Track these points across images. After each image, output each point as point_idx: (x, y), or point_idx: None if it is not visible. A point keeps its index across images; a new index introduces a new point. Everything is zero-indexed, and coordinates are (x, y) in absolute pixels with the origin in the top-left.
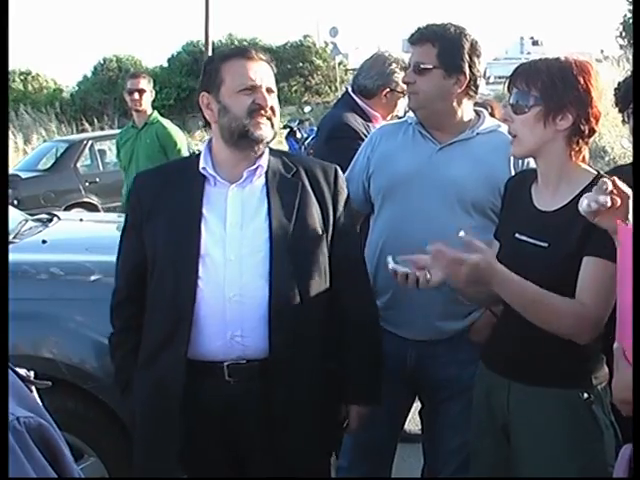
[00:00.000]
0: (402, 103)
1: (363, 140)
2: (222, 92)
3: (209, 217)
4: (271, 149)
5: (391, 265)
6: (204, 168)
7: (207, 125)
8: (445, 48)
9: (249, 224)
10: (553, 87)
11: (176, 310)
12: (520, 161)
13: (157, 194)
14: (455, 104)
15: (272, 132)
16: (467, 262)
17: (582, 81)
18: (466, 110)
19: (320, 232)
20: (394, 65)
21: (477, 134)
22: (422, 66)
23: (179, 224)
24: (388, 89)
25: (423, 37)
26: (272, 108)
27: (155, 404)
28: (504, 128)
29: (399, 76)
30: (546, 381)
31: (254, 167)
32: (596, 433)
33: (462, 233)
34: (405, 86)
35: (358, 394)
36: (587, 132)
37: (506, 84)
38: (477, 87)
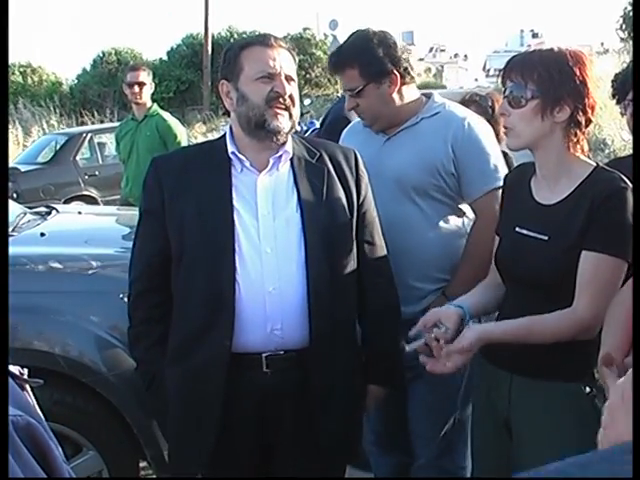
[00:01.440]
0: None
1: None
2: (241, 80)
3: (240, 207)
4: (292, 135)
5: (408, 348)
6: (233, 152)
7: (226, 114)
8: (363, 64)
9: (280, 214)
10: (550, 79)
11: (214, 303)
12: (459, 140)
13: (179, 177)
14: (398, 99)
15: (290, 123)
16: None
17: (578, 72)
18: (408, 96)
19: (348, 218)
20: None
21: (421, 119)
22: (356, 90)
23: (210, 214)
24: None
25: (340, 64)
26: (291, 97)
27: (193, 398)
28: (452, 107)
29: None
30: (548, 375)
31: (279, 154)
32: (598, 427)
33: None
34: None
35: (377, 375)
36: (584, 122)
37: (500, 76)
38: (412, 69)
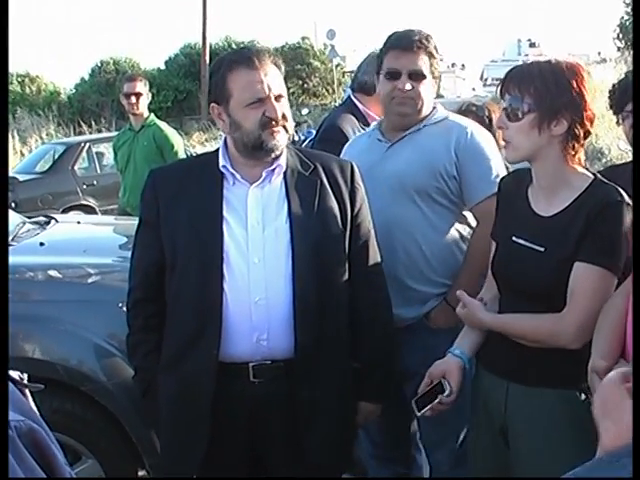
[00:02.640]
0: None
1: None
2: (231, 106)
3: (229, 218)
4: (287, 146)
5: (419, 414)
6: (224, 166)
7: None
8: (434, 59)
9: (270, 225)
10: (547, 93)
11: (202, 312)
12: (462, 145)
13: (175, 190)
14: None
15: (286, 137)
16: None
17: (575, 84)
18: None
19: (340, 230)
20: None
21: (424, 126)
22: (422, 74)
23: (200, 224)
24: None
25: (423, 46)
26: (284, 115)
27: (183, 405)
28: (455, 117)
29: None
30: (544, 382)
31: (273, 167)
32: (594, 434)
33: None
34: None
35: (368, 392)
36: (582, 135)
37: (498, 88)
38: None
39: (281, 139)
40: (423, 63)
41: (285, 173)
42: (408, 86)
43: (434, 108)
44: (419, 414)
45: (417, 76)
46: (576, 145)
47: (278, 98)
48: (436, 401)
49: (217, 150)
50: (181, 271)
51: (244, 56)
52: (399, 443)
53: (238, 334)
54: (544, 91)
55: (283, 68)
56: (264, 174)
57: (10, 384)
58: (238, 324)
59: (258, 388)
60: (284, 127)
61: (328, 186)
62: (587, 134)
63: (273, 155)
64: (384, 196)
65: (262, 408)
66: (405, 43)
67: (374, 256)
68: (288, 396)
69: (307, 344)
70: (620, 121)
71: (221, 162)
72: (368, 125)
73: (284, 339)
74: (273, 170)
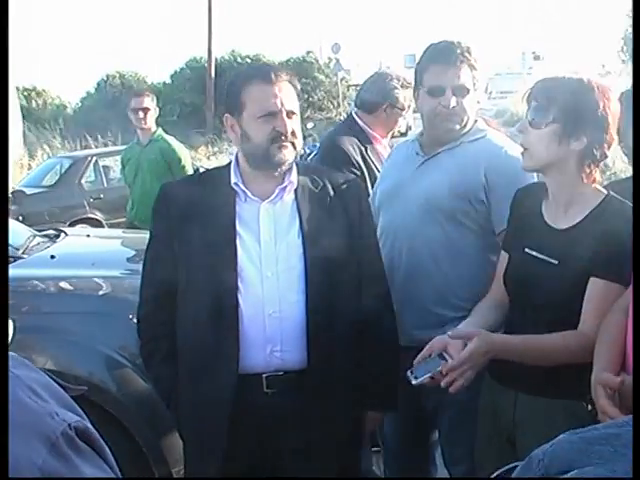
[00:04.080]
0: (403, 121)
1: (353, 164)
2: (244, 117)
3: (243, 233)
4: (297, 163)
5: (414, 382)
6: (236, 183)
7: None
8: (477, 72)
9: (282, 240)
10: (574, 108)
11: (220, 325)
12: (493, 168)
13: (187, 205)
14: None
15: (294, 154)
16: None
17: (602, 106)
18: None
19: (348, 245)
20: (395, 82)
21: (461, 142)
22: (467, 88)
23: (215, 239)
24: (388, 103)
25: (466, 59)
26: (293, 132)
27: (203, 419)
28: (491, 135)
29: (399, 92)
30: (552, 393)
31: (284, 184)
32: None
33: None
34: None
35: (374, 401)
36: (599, 157)
37: (526, 95)
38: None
39: (288, 155)
40: (466, 77)
41: (296, 190)
42: (453, 102)
43: (475, 121)
44: (415, 383)
45: (461, 91)
46: (592, 165)
47: (290, 114)
48: (438, 369)
49: (228, 165)
50: (195, 285)
51: (262, 71)
52: (415, 457)
53: (253, 346)
54: (572, 105)
55: (299, 88)
56: (277, 191)
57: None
58: (253, 337)
59: (271, 398)
60: (292, 144)
61: (337, 203)
62: (603, 157)
63: (279, 170)
64: (410, 214)
65: (275, 418)
66: (447, 57)
67: (379, 269)
68: (300, 406)
69: (319, 355)
70: (620, 136)
71: (233, 179)
72: (369, 142)
73: (296, 351)
74: (284, 187)
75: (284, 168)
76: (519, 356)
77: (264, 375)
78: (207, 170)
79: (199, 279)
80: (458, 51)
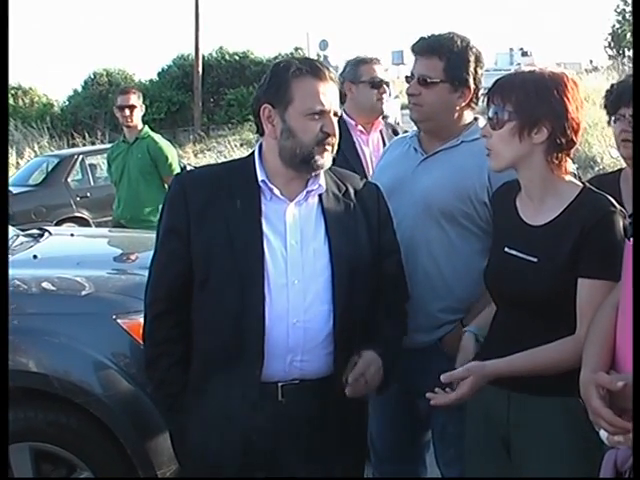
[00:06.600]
0: (388, 106)
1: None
2: (289, 112)
3: (270, 234)
4: None
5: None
6: (263, 181)
7: (259, 132)
8: (452, 62)
9: (309, 245)
10: (526, 101)
11: (243, 331)
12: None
13: (208, 198)
14: (457, 116)
15: (332, 158)
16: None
17: (556, 93)
18: (464, 118)
19: (372, 252)
20: (352, 61)
21: (462, 142)
22: (429, 80)
23: (239, 239)
24: (349, 82)
25: (430, 49)
26: (335, 135)
27: (220, 425)
28: None
29: (361, 68)
30: (546, 390)
31: (313, 188)
32: (596, 440)
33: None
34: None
35: None
36: (565, 144)
37: (485, 99)
38: (479, 98)
39: (328, 158)
40: (434, 68)
41: (320, 193)
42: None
43: (476, 119)
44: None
45: (425, 81)
46: (560, 154)
47: (335, 115)
48: None
49: (248, 157)
50: (216, 286)
51: (313, 65)
52: (406, 459)
53: (274, 356)
54: (524, 99)
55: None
56: (304, 193)
57: None
58: (275, 346)
59: (285, 407)
60: (333, 147)
61: (359, 208)
62: (571, 144)
63: (315, 173)
64: (410, 214)
65: (289, 427)
66: (418, 46)
67: (400, 278)
68: (315, 416)
69: (343, 366)
70: (612, 122)
71: (260, 176)
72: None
73: (317, 360)
74: (312, 190)
75: (320, 172)
76: (516, 374)
77: (279, 384)
78: (228, 162)
79: (221, 280)
80: (432, 41)
